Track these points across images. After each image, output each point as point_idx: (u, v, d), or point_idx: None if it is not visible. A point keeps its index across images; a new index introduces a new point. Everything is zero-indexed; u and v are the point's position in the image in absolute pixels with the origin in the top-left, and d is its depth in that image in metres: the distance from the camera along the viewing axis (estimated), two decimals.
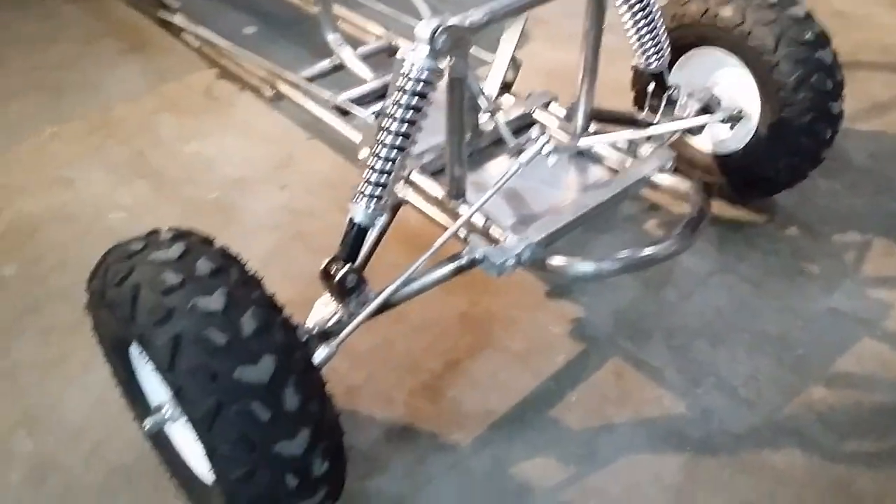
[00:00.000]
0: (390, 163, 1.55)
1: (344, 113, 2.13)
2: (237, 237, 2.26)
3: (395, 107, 1.53)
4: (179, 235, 1.40)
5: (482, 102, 1.94)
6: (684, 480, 1.71)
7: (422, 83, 1.52)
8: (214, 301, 1.27)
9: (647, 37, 1.96)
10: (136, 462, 1.76)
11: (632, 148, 1.98)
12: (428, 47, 1.51)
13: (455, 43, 1.53)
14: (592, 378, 1.93)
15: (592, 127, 2.08)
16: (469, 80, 1.92)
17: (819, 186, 2.44)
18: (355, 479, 1.68)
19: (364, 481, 1.71)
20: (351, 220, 1.58)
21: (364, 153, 1.91)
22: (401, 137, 1.54)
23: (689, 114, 2.11)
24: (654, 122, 2.11)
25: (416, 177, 1.91)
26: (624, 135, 1.96)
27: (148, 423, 1.46)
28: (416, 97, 1.52)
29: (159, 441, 1.63)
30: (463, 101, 1.66)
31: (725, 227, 2.34)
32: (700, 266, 2.21)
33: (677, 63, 2.30)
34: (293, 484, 1.30)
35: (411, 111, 1.53)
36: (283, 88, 2.29)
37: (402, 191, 1.91)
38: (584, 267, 1.66)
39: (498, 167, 1.98)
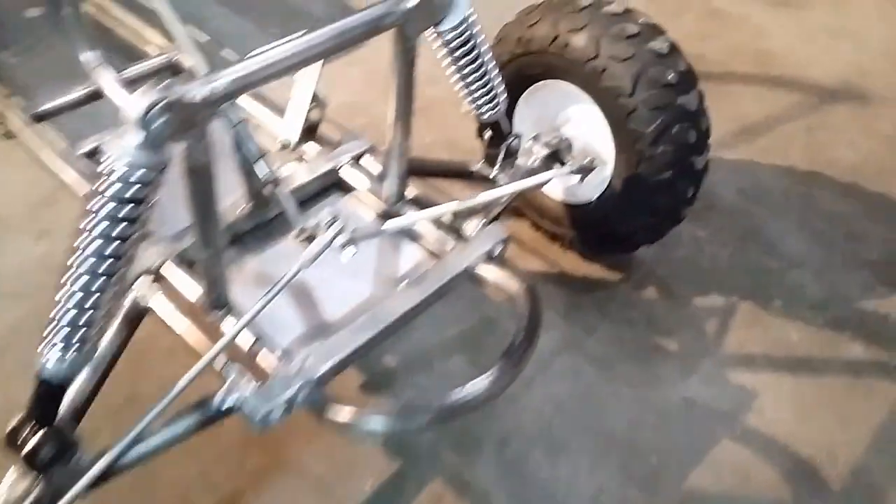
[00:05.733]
0: (93, 296, 1.08)
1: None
2: None
3: (95, 219, 1.06)
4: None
5: (260, 169, 1.50)
6: None
7: (133, 186, 1.06)
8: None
9: (477, 84, 1.56)
10: None
11: (458, 220, 1.58)
12: (141, 134, 1.05)
13: (182, 125, 1.08)
14: None
15: (413, 186, 1.66)
16: (241, 134, 1.48)
17: (681, 233, 2.13)
18: None
19: None
20: (37, 375, 1.12)
21: None
22: (106, 261, 1.07)
23: (534, 161, 1.75)
24: (492, 175, 1.74)
25: (170, 270, 1.44)
26: (448, 207, 1.55)
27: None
28: (126, 205, 1.06)
29: None
30: (210, 195, 1.20)
31: (575, 288, 2.02)
32: (544, 342, 1.83)
33: (523, 95, 1.91)
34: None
35: (120, 224, 1.08)
36: (15, 125, 1.71)
37: (147, 290, 1.43)
38: (375, 423, 1.25)
39: (290, 247, 1.50)
